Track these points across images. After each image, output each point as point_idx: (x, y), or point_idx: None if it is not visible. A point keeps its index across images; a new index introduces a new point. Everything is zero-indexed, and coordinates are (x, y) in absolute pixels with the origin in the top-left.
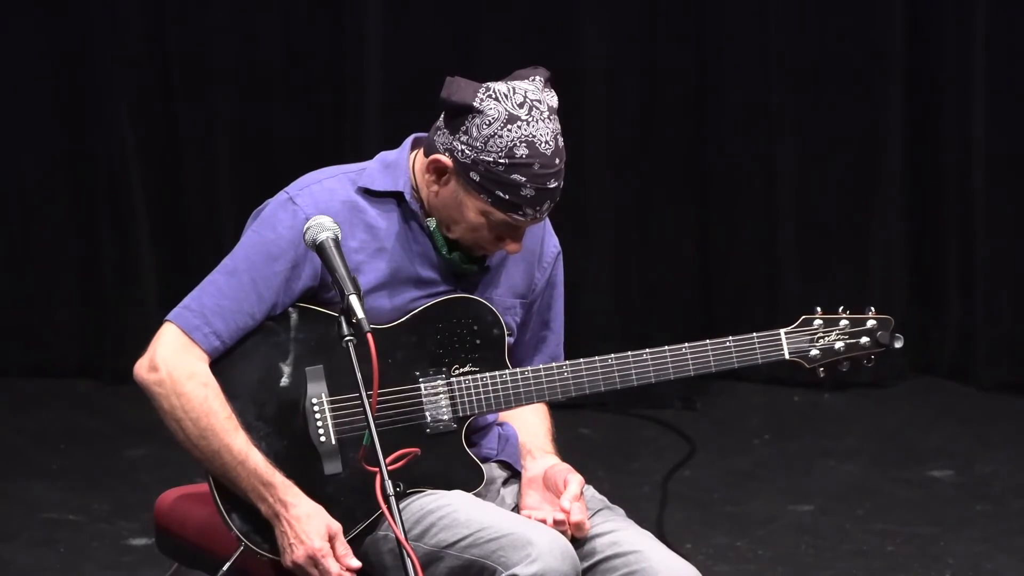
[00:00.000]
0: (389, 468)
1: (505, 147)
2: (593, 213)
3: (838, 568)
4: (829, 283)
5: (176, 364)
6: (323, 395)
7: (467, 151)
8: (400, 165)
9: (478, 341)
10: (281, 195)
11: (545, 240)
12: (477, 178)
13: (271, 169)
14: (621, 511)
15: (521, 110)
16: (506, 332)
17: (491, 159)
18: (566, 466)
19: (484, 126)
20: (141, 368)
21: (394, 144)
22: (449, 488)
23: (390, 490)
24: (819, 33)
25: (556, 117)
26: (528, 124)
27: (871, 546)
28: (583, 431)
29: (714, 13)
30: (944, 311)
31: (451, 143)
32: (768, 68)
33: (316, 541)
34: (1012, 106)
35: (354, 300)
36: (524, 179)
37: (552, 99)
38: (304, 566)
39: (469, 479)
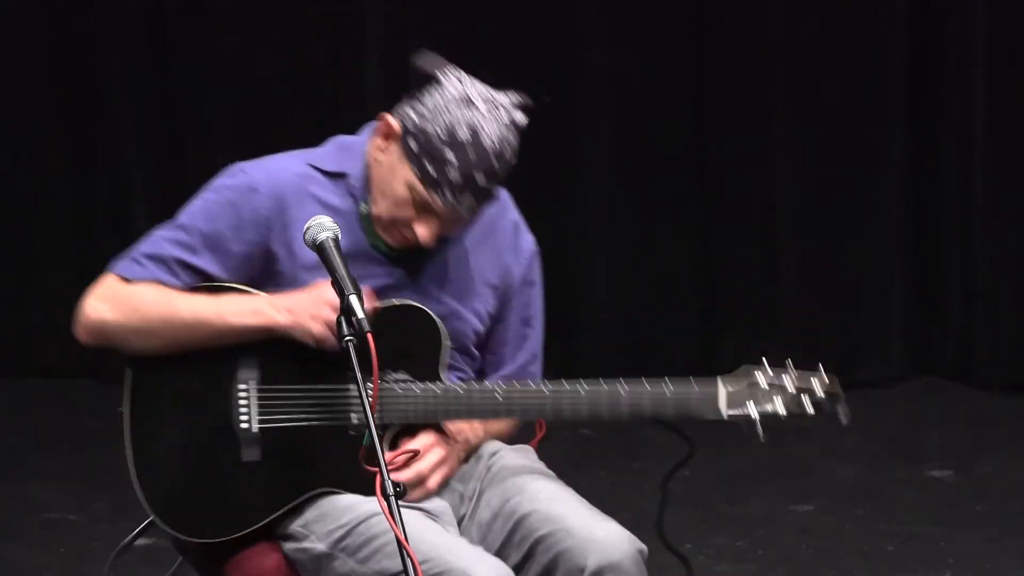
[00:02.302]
0: (389, 468)
1: (448, 124)
2: (593, 213)
3: (838, 568)
4: (829, 283)
5: (110, 293)
6: (252, 381)
7: (414, 117)
8: (354, 149)
9: (415, 351)
10: (232, 166)
11: (519, 235)
12: (414, 147)
13: None
14: (552, 475)
15: (480, 101)
16: (446, 345)
17: (431, 130)
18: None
19: (438, 97)
20: (79, 330)
21: None
22: (360, 491)
23: (390, 490)
24: (819, 33)
25: (514, 132)
26: (481, 116)
27: (871, 546)
28: (583, 431)
29: (714, 13)
30: (944, 311)
31: (403, 109)
32: (768, 68)
33: (324, 310)
34: (1012, 106)
35: (354, 300)
36: (454, 160)
37: (520, 117)
38: (330, 321)
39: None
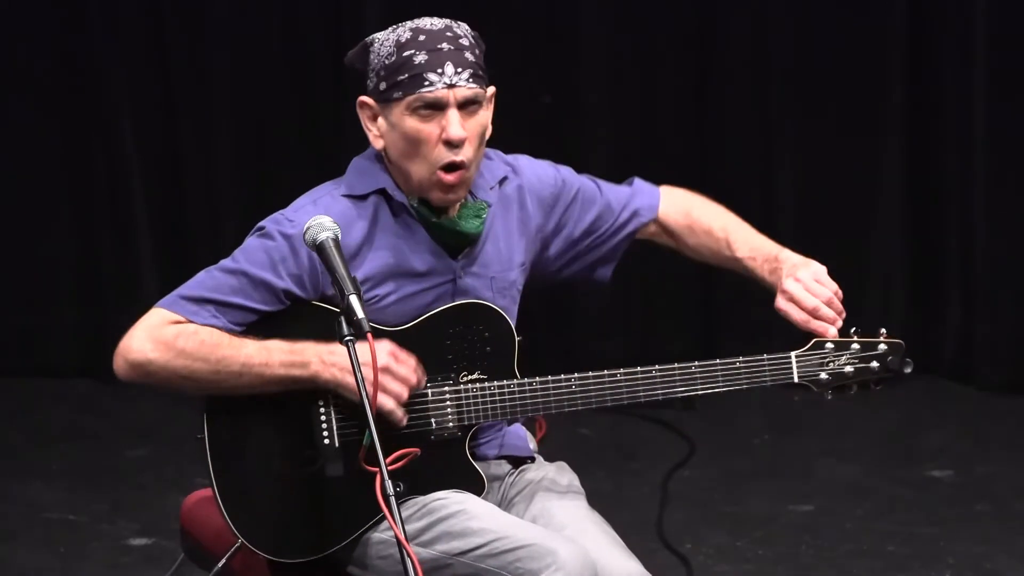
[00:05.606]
0: (389, 468)
1: (392, 43)
2: None
3: (838, 568)
4: None
5: (158, 334)
6: (329, 395)
7: (371, 75)
8: (374, 165)
9: (488, 349)
10: (277, 215)
11: (524, 195)
12: (384, 86)
13: (271, 170)
14: (580, 495)
15: (407, 22)
16: (517, 342)
17: (385, 62)
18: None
19: (377, 47)
20: (120, 365)
21: None
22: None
23: (390, 490)
24: (819, 34)
25: (457, 23)
26: (412, 21)
27: (871, 546)
28: (583, 431)
29: (714, 15)
30: (944, 311)
31: (365, 86)
32: (768, 69)
33: (382, 357)
34: (1012, 106)
35: (354, 300)
36: (412, 50)
37: (457, 24)
38: (385, 385)
39: (470, 488)
